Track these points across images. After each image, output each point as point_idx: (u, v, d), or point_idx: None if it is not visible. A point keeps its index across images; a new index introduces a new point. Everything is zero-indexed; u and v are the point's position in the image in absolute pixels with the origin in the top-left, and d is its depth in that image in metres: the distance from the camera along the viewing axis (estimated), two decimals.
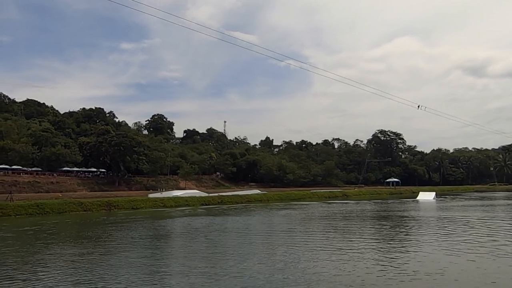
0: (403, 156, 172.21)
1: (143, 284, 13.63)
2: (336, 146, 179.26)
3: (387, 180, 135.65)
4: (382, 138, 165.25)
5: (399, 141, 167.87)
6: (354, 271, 15.62)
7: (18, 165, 72.80)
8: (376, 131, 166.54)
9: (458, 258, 18.11)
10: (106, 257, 18.90)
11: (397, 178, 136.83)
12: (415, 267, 16.04)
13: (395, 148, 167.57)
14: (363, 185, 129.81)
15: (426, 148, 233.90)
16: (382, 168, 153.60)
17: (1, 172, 68.42)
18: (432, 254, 18.56)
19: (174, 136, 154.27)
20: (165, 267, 16.69)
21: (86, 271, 16.14)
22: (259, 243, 23.50)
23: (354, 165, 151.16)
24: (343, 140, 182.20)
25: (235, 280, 13.59)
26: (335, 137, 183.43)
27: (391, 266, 16.61)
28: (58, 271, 16.21)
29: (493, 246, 21.45)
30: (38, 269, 16.82)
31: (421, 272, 15.29)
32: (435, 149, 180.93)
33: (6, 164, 70.73)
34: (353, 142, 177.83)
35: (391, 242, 23.99)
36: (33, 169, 75.97)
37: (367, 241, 24.02)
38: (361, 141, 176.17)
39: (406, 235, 27.77)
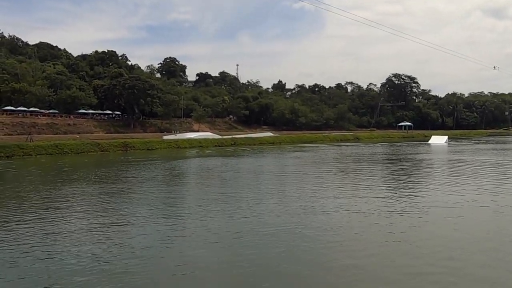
0: (416, 100, 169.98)
1: (158, 223, 14.14)
2: (349, 90, 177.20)
3: (400, 124, 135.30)
4: (396, 81, 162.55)
5: (413, 85, 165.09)
6: (363, 211, 16.36)
7: (35, 108, 74.25)
8: (390, 74, 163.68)
9: (462, 197, 18.90)
10: (124, 196, 19.76)
11: (410, 122, 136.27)
12: (422, 209, 16.48)
13: (409, 92, 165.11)
14: (375, 129, 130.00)
15: (440, 92, 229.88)
16: (395, 112, 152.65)
17: (20, 114, 70.05)
18: (439, 196, 19.26)
19: (187, 80, 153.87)
20: (180, 207, 17.52)
21: (105, 208, 17.24)
22: (271, 183, 24.35)
23: (367, 109, 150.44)
24: (356, 84, 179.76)
25: (248, 220, 14.06)
26: (348, 81, 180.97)
27: (395, 208, 17.41)
28: (80, 208, 17.43)
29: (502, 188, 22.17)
30: (61, 205, 18.07)
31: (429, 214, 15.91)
32: (450, 93, 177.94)
33: (24, 107, 72.21)
34: (366, 86, 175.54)
35: (397, 183, 24.82)
36: (50, 111, 77.43)
37: (375, 183, 24.80)
38: (375, 85, 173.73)
39: (413, 176, 28.55)
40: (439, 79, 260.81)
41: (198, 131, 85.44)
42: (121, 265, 9.93)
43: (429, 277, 9.20)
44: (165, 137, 66.44)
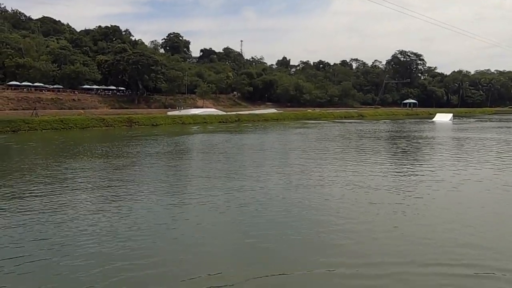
0: (422, 78, 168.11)
1: (162, 196, 14.48)
2: (354, 67, 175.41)
3: (404, 102, 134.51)
4: (402, 58, 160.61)
5: (419, 62, 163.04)
6: (364, 185, 16.61)
7: (40, 83, 74.26)
8: (396, 51, 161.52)
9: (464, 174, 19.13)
10: (129, 170, 20.10)
11: (414, 100, 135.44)
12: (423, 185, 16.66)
13: (414, 69, 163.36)
14: (379, 106, 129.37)
15: (446, 70, 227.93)
16: (399, 90, 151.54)
17: (24, 89, 70.13)
18: (442, 172, 19.48)
19: (191, 55, 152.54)
20: (184, 180, 17.92)
21: (110, 181, 17.60)
22: (275, 159, 24.60)
23: (372, 86, 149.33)
24: (361, 61, 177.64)
25: (251, 195, 14.27)
26: (353, 58, 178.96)
27: (401, 184, 17.64)
28: (85, 181, 17.79)
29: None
30: (67, 178, 18.44)
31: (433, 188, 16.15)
32: (456, 70, 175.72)
33: (28, 82, 72.23)
34: (371, 63, 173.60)
35: (400, 160, 25.04)
36: (55, 86, 77.41)
37: (378, 159, 25.01)
38: (380, 62, 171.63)
39: (417, 153, 28.74)
40: (445, 57, 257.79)
41: (202, 107, 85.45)
42: (126, 234, 10.32)
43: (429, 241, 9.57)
44: (169, 113, 66.61)
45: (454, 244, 9.68)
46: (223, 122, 61.73)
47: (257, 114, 71.86)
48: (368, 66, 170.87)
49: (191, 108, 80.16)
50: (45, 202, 13.29)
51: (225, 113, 70.42)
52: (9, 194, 14.44)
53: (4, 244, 9.65)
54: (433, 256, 8.97)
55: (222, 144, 32.67)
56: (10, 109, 59.74)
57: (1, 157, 26.03)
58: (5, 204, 13.17)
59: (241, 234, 10.52)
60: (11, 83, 70.86)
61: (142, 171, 19.79)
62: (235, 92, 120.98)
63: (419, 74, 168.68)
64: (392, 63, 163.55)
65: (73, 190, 15.23)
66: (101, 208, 12.70)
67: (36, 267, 8.38)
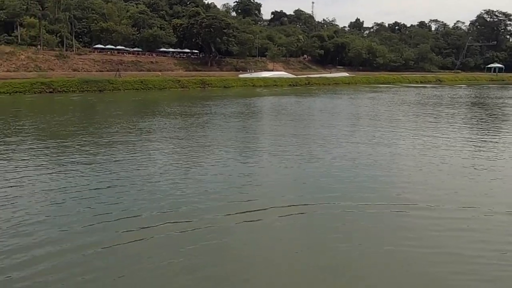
0: (510, 40, 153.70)
1: (234, 155, 15.20)
2: (433, 29, 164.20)
3: (489, 66, 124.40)
4: (488, 19, 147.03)
5: (508, 23, 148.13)
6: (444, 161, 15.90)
7: (121, 46, 78.97)
8: (482, 11, 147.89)
9: None
10: (204, 129, 21.31)
11: (500, 64, 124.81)
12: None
13: (502, 30, 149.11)
14: (460, 71, 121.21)
15: None
16: (483, 53, 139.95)
17: (108, 52, 75.06)
18: None
19: (262, 18, 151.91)
20: (254, 139, 18.82)
21: (188, 140, 18.92)
22: (345, 123, 24.56)
23: (452, 49, 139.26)
24: (442, 22, 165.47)
25: (320, 162, 14.25)
26: (432, 19, 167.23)
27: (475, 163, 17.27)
28: (165, 137, 19.45)
29: None
30: (150, 129, 20.26)
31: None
32: None
33: (111, 45, 77.13)
34: (453, 24, 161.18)
35: (478, 130, 24.15)
36: (135, 49, 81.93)
37: (454, 127, 24.21)
38: (463, 23, 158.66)
39: (498, 123, 27.43)
40: None
41: (272, 70, 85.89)
42: (199, 177, 11.63)
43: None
44: (241, 76, 68.03)
45: None
46: (293, 85, 61.97)
47: (327, 78, 71.02)
48: (449, 28, 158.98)
49: (262, 71, 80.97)
50: (128, 156, 14.98)
51: (295, 76, 70.40)
52: (103, 143, 16.51)
53: (110, 181, 11.41)
54: None
55: (292, 106, 33.27)
56: (96, 71, 64.50)
57: (92, 112, 28.94)
58: (98, 150, 15.16)
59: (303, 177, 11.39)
60: (96, 46, 76.10)
61: (216, 129, 21.17)
62: (305, 56, 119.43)
63: (507, 36, 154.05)
64: (477, 24, 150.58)
65: (153, 144, 16.97)
66: (177, 158, 14.23)
67: (130, 194, 9.96)
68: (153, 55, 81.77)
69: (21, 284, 6.33)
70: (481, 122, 25.53)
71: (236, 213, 9.18)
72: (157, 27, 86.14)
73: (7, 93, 39.48)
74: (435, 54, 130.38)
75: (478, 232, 8.42)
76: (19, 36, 68.04)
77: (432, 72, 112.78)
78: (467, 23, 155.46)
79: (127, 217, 8.87)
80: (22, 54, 59.03)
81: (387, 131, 20.31)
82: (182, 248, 7.53)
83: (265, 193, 10.72)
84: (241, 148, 16.26)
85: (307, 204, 9.88)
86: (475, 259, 7.25)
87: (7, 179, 11.41)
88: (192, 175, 12.11)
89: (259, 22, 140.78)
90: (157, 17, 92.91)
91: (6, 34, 68.64)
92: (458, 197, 10.47)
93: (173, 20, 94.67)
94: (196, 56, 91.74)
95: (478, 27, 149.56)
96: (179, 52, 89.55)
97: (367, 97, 43.77)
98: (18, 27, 69.34)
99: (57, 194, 10.25)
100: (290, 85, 61.77)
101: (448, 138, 18.59)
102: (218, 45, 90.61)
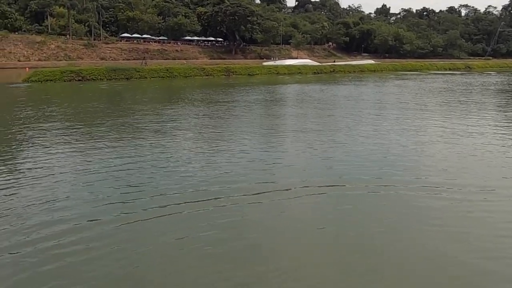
0: None
1: (259, 139, 15.45)
2: (462, 14, 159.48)
3: None
4: None
5: None
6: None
7: (147, 35, 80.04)
8: None
9: None
10: (227, 117, 21.42)
11: None
12: None
13: None
14: (491, 58, 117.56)
15: None
16: None
17: (134, 41, 76.31)
18: None
19: (286, 5, 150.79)
20: (280, 128, 18.70)
21: (212, 126, 19.23)
22: (371, 111, 24.23)
23: (483, 35, 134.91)
24: (472, 7, 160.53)
25: (345, 147, 14.15)
26: (462, 4, 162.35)
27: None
28: (188, 123, 19.79)
29: None
30: (173, 118, 20.64)
31: None
32: None
33: (137, 33, 78.30)
34: (484, 9, 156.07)
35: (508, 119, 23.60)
36: (160, 38, 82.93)
37: (483, 116, 23.56)
38: (495, 8, 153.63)
39: None
40: None
41: (296, 58, 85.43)
42: (221, 164, 11.88)
43: None
44: (265, 63, 67.92)
45: None
46: (318, 72, 61.50)
47: (352, 65, 70.10)
48: (480, 13, 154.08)
49: (286, 58, 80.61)
50: (150, 142, 15.35)
51: (320, 63, 69.83)
52: (130, 129, 17.00)
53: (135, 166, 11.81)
54: None
55: (317, 93, 33.17)
56: (124, 59, 65.75)
57: (120, 99, 29.59)
58: (125, 135, 15.62)
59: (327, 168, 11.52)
60: (123, 35, 77.38)
61: (240, 115, 21.38)
62: (330, 43, 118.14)
63: None
64: (510, 8, 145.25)
65: (178, 127, 17.33)
66: (202, 143, 14.52)
67: (157, 175, 10.35)
68: (178, 43, 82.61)
69: (49, 253, 6.81)
70: None
71: (262, 192, 9.46)
72: (182, 15, 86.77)
73: (39, 81, 40.68)
74: (464, 41, 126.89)
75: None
76: (49, 26, 69.82)
77: (462, 59, 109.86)
78: (499, 8, 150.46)
79: (154, 195, 9.22)
80: (52, 44, 60.66)
81: (415, 117, 20.11)
82: (211, 222, 7.88)
83: (290, 174, 10.94)
84: (265, 133, 16.47)
85: (334, 185, 10.05)
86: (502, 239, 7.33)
87: (38, 161, 11.97)
88: (217, 159, 12.36)
89: (283, 10, 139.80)
90: (181, 5, 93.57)
91: (37, 24, 70.59)
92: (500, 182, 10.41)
93: (198, 8, 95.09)
94: (220, 44, 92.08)
95: (511, 11, 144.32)
96: (204, 40, 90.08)
97: (394, 85, 43.13)
98: (48, 17, 71.12)
99: (86, 175, 10.70)
100: (314, 72, 61.31)
101: (479, 125, 18.27)
102: (242, 33, 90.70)
